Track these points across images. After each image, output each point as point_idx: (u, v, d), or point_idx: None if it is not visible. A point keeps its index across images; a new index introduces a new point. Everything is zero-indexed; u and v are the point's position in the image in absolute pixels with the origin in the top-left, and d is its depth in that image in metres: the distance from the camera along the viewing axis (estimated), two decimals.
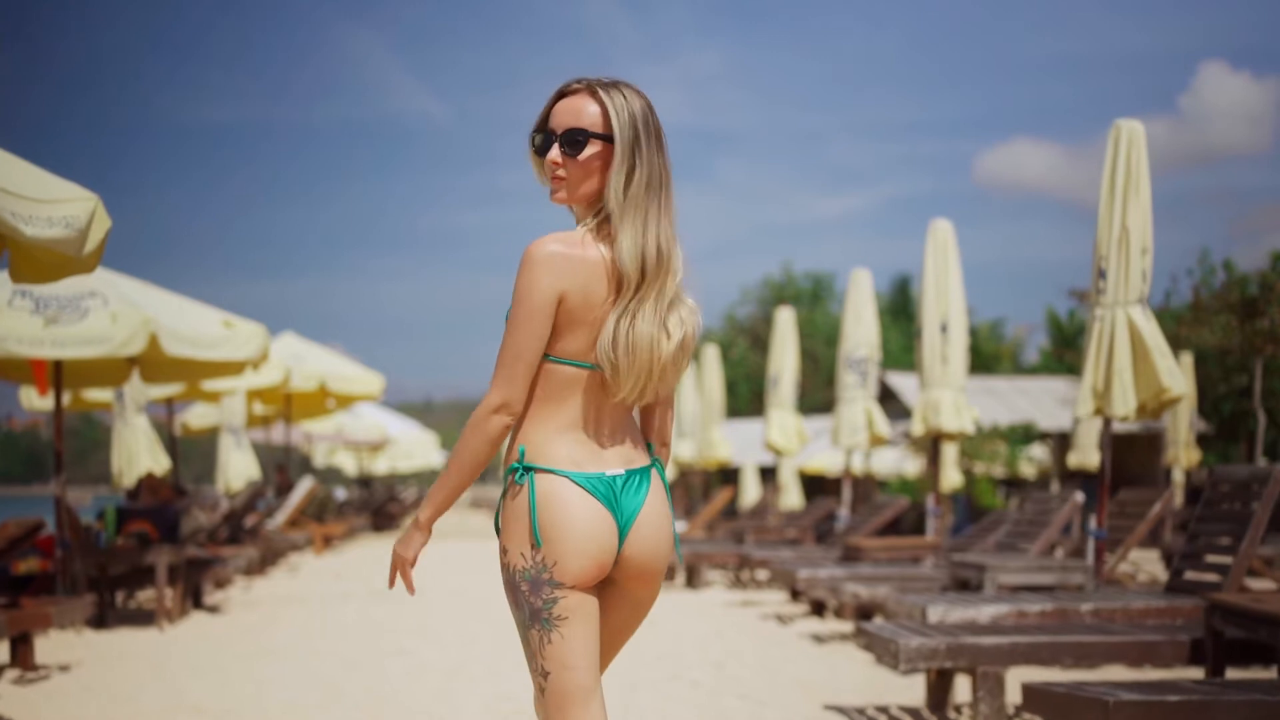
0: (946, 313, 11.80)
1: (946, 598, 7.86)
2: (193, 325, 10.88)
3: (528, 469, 3.02)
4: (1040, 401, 33.03)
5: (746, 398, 45.85)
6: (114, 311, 10.12)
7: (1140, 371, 8.56)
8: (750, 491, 26.71)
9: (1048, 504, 10.65)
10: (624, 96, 3.02)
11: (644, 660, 8.61)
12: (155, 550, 10.86)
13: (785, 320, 17.67)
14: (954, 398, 11.73)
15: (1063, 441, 30.70)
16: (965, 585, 9.12)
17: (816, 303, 53.33)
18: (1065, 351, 37.59)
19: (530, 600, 3.02)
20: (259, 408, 23.04)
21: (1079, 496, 10.39)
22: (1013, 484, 34.18)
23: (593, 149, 3.00)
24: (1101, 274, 8.74)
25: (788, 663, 8.55)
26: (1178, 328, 28.65)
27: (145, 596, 12.95)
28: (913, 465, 32.07)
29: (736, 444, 26.54)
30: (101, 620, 10.92)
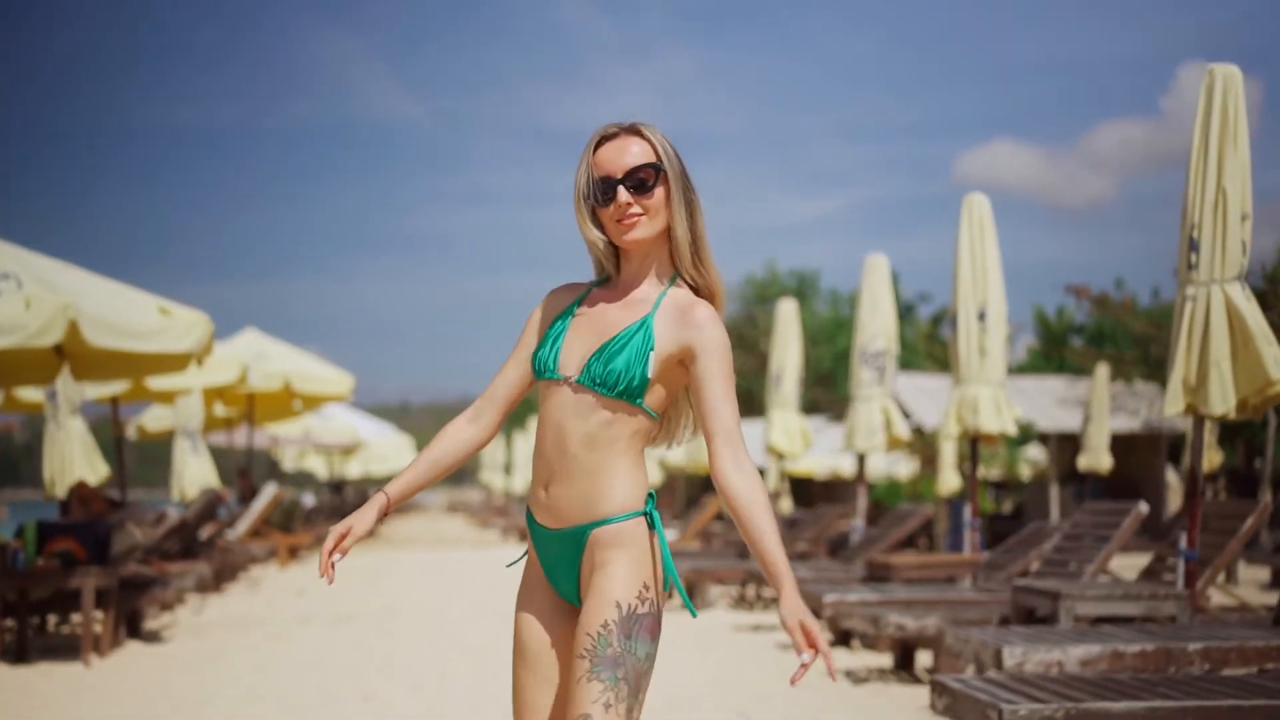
0: (984, 298, 10.42)
1: (1019, 634, 6.50)
2: (123, 313, 9.43)
3: (653, 514, 3.10)
4: (1037, 401, 31.70)
5: None
6: (28, 295, 8.69)
7: (1241, 361, 7.22)
8: None
9: (1103, 515, 9.30)
10: (658, 132, 3.10)
11: (650, 706, 7.21)
12: (80, 572, 9.41)
13: (787, 313, 16.27)
14: (993, 394, 10.36)
15: (1062, 442, 29.44)
16: (1030, 614, 7.75)
17: (802, 301, 51.96)
18: (1056, 350, 36.37)
19: (645, 641, 3.02)
20: (220, 409, 21.61)
21: (1143, 506, 9.05)
22: (1002, 486, 32.89)
23: (659, 184, 3.06)
24: (1193, 245, 7.38)
25: (827, 711, 7.15)
26: None
27: (79, 621, 11.48)
28: (905, 468, 30.74)
29: None
30: (21, 652, 9.46)
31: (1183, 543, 7.51)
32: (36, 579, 9.47)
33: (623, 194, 3.03)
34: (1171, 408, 7.40)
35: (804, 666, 2.82)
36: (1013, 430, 10.40)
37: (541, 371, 3.11)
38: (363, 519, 3.09)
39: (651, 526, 3.06)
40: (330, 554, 3.04)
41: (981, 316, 10.39)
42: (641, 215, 3.05)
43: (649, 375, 3.01)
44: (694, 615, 3.12)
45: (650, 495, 3.08)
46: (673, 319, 3.07)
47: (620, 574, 3.01)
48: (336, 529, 3.07)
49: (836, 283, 51.93)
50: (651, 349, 3.03)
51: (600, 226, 3.12)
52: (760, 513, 2.97)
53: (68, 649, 9.90)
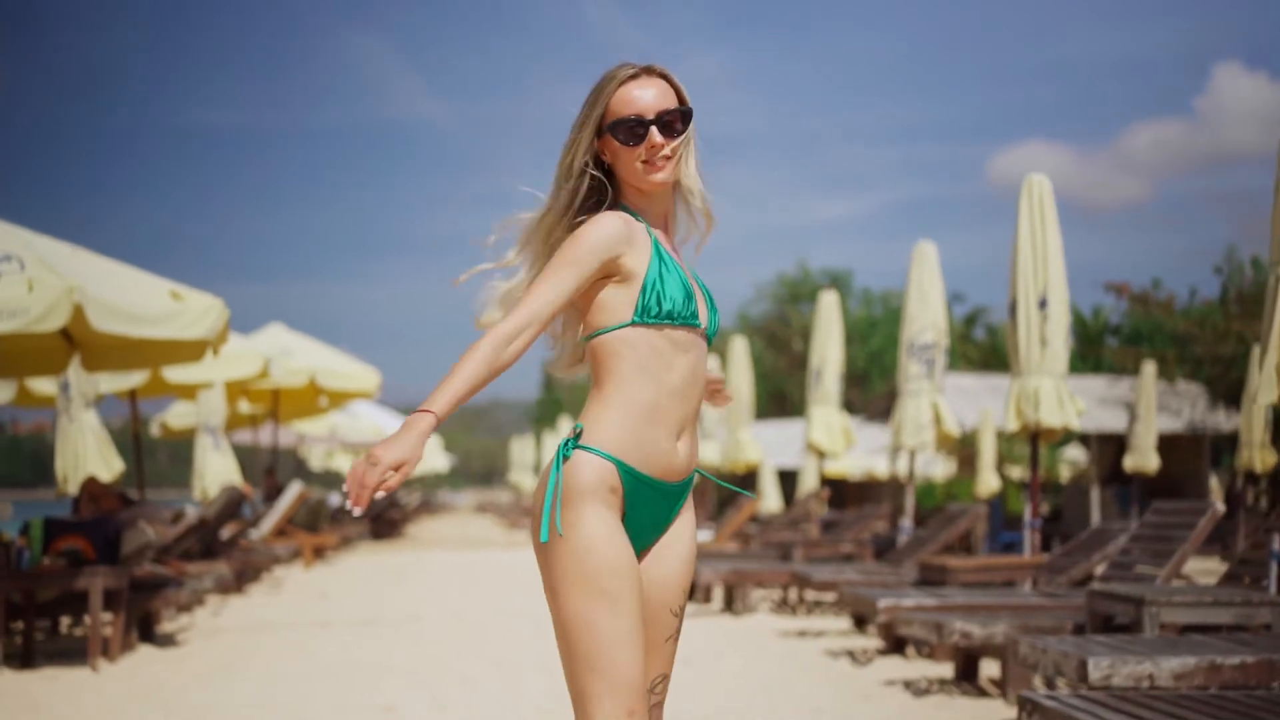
0: (1045, 285, 9.81)
1: (1102, 644, 5.90)
2: (132, 297, 8.90)
3: None
4: None
5: (762, 399, 43.91)
6: (30, 278, 8.16)
7: None
8: (770, 498, 24.87)
9: (1173, 516, 8.68)
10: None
11: None
12: (88, 572, 8.89)
13: (828, 306, 15.68)
14: (1055, 386, 9.74)
15: (1104, 443, 28.74)
16: (1107, 622, 7.14)
17: None
18: (1092, 350, 35.65)
19: None
20: (245, 406, 21.13)
21: (1219, 506, 8.42)
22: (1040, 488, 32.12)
23: (686, 129, 3.06)
24: None
25: None
26: (1227, 322, 26.75)
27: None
28: (941, 469, 30.07)
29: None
30: (27, 656, 8.95)
31: (1276, 545, 6.89)
32: (42, 579, 8.96)
33: (656, 135, 3.01)
34: (1265, 396, 6.77)
35: None
36: (1076, 424, 9.80)
37: (683, 317, 3.00)
38: (414, 449, 2.75)
39: None
40: (375, 489, 2.71)
41: (1043, 305, 9.79)
42: (670, 159, 3.04)
43: None
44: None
45: None
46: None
47: (694, 524, 3.11)
48: (388, 460, 2.72)
49: (869, 283, 51.12)
50: None
51: (599, 164, 3.08)
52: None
53: (78, 653, 9.38)
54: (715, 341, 3.07)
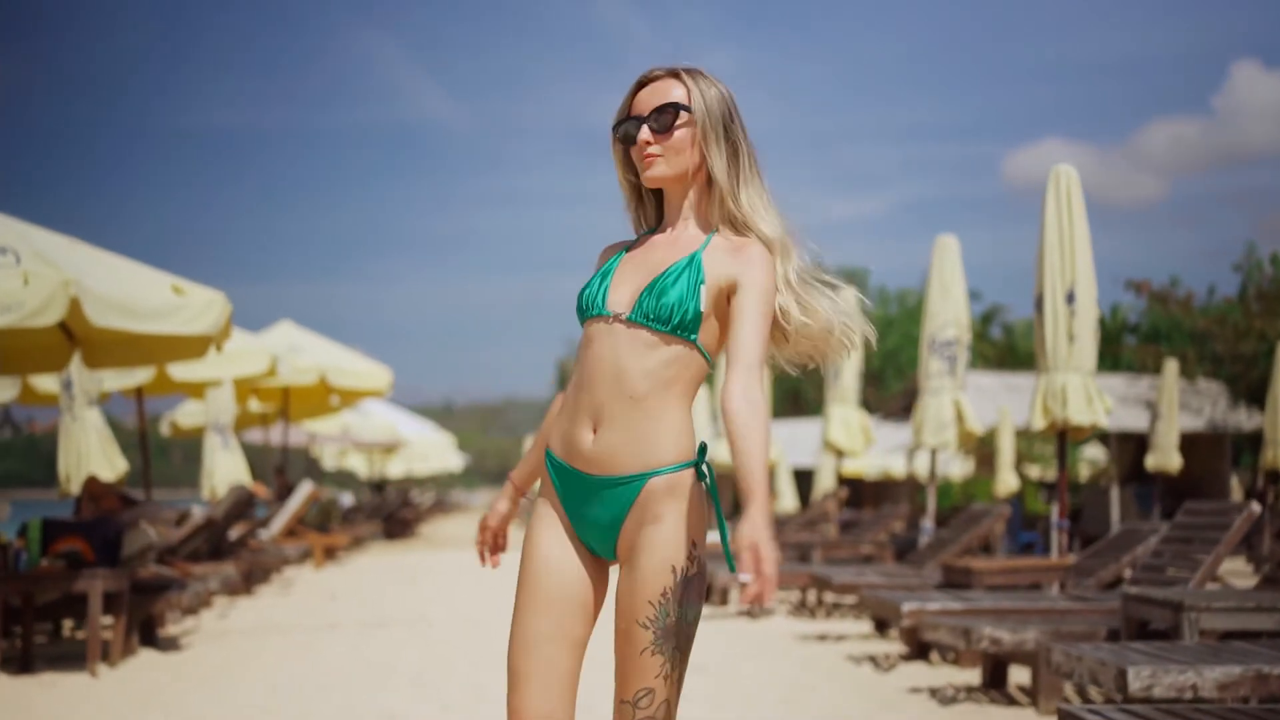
0: (1073, 278, 9.50)
1: (1141, 651, 5.61)
2: (131, 291, 8.65)
3: (707, 466, 3.02)
4: None
5: (776, 398, 43.64)
6: (26, 271, 7.91)
7: None
8: (786, 498, 24.61)
9: (1206, 516, 8.37)
10: (705, 78, 3.07)
11: None
12: (87, 574, 8.63)
13: (846, 302, 15.38)
14: (1083, 383, 9.43)
15: (1123, 442, 28.39)
16: (1143, 628, 6.85)
17: None
18: (1109, 348, 35.30)
19: (695, 605, 2.98)
20: (255, 405, 20.91)
21: (1255, 506, 8.12)
22: (1054, 488, 31.73)
23: (682, 125, 3.02)
24: None
25: None
26: (1248, 320, 26.40)
27: None
28: (959, 468, 29.74)
29: None
30: (25, 661, 8.70)
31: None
32: (40, 581, 8.71)
33: (644, 132, 3.03)
34: None
35: (743, 586, 2.70)
36: (1104, 422, 9.50)
37: (588, 309, 3.04)
38: (496, 513, 3.30)
39: (701, 479, 2.99)
40: (482, 549, 3.38)
41: (1070, 299, 9.49)
42: (659, 155, 3.02)
43: (701, 308, 2.94)
44: (731, 570, 2.83)
45: (703, 446, 2.99)
46: (723, 253, 3.02)
47: (673, 534, 2.94)
48: (483, 532, 3.35)
49: (885, 281, 50.75)
50: (702, 282, 2.96)
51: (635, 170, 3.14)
52: (752, 432, 2.82)
53: (78, 657, 9.13)
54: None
